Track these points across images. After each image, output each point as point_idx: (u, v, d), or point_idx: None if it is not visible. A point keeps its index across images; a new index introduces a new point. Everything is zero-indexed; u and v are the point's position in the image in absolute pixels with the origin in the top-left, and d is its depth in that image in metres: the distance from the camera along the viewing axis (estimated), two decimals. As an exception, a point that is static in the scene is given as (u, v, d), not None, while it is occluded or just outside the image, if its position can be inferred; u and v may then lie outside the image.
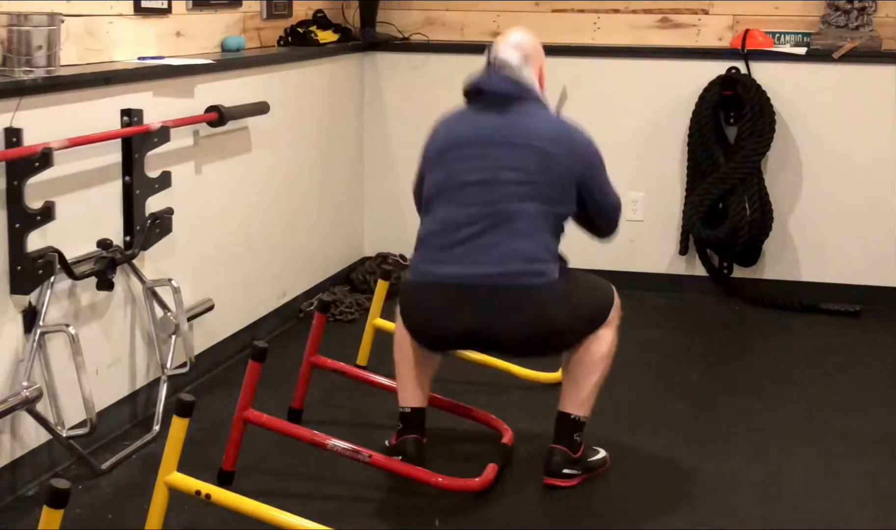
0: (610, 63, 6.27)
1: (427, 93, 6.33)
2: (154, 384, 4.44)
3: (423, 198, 4.02)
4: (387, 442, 4.04)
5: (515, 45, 3.96)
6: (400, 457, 3.88)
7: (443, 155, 3.95)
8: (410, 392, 3.99)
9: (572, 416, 3.93)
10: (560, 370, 4.74)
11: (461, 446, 4.23)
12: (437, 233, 3.85)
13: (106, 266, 3.99)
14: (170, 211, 4.43)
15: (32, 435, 3.82)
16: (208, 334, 4.87)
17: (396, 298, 4.04)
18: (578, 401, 3.94)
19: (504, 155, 3.83)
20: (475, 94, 3.96)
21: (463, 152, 3.90)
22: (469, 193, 3.82)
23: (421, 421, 3.99)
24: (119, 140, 4.17)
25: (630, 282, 6.24)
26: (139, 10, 4.59)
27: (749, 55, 6.01)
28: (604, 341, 3.96)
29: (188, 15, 4.99)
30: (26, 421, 3.75)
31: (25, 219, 3.66)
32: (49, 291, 3.76)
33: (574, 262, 4.04)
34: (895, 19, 6.05)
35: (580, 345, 3.92)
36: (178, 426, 3.27)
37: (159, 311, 4.43)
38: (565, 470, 3.90)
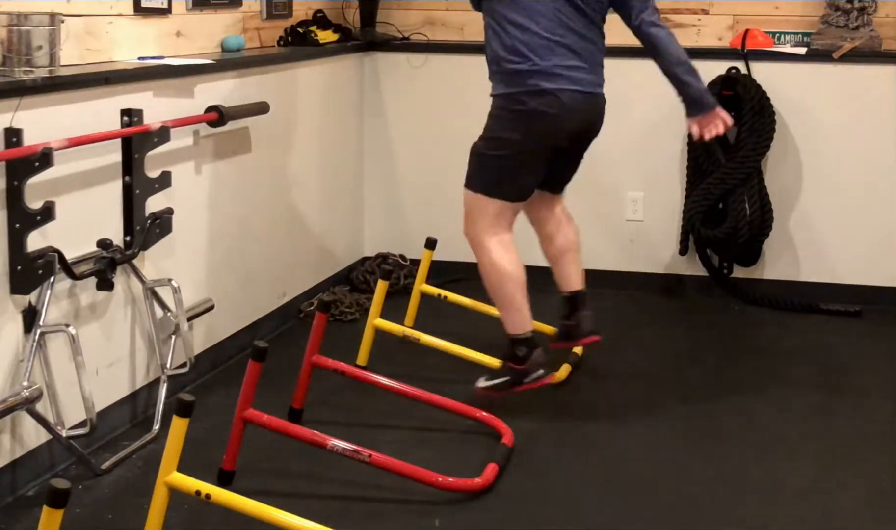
0: (610, 63, 6.21)
1: (427, 93, 6.34)
2: (154, 384, 4.44)
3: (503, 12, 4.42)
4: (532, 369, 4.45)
5: None
6: (542, 372, 4.47)
7: None
8: (527, 316, 4.48)
9: (583, 291, 4.76)
10: (561, 370, 4.75)
11: (461, 446, 4.23)
12: (554, 52, 4.42)
13: (106, 266, 3.99)
14: (170, 211, 4.43)
15: (32, 435, 3.82)
16: (208, 334, 4.88)
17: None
18: (581, 277, 4.77)
19: None
20: None
21: None
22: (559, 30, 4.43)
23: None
24: (119, 140, 4.17)
25: (630, 282, 6.26)
26: (139, 10, 4.59)
27: (749, 55, 6.01)
28: (573, 224, 4.83)
29: (188, 15, 4.99)
30: (26, 421, 3.76)
31: (25, 219, 3.66)
32: (49, 291, 3.76)
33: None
34: (895, 19, 6.04)
35: (560, 232, 4.76)
36: (178, 426, 3.27)
37: (159, 311, 4.43)
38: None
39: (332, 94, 6.13)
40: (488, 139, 4.44)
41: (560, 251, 4.78)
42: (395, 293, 5.72)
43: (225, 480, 3.81)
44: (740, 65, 6.02)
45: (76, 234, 3.97)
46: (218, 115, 4.74)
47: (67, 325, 3.85)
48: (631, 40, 6.29)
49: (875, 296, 6.03)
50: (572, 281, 4.77)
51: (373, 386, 4.49)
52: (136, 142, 4.21)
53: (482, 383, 4.48)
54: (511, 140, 4.37)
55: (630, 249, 6.29)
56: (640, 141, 6.22)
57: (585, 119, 4.51)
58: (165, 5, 4.76)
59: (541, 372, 4.44)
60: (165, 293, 4.42)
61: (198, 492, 3.31)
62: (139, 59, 4.56)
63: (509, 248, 4.43)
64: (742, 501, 3.86)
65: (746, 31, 6.06)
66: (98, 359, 4.13)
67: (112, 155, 4.16)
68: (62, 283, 3.89)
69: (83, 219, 4.02)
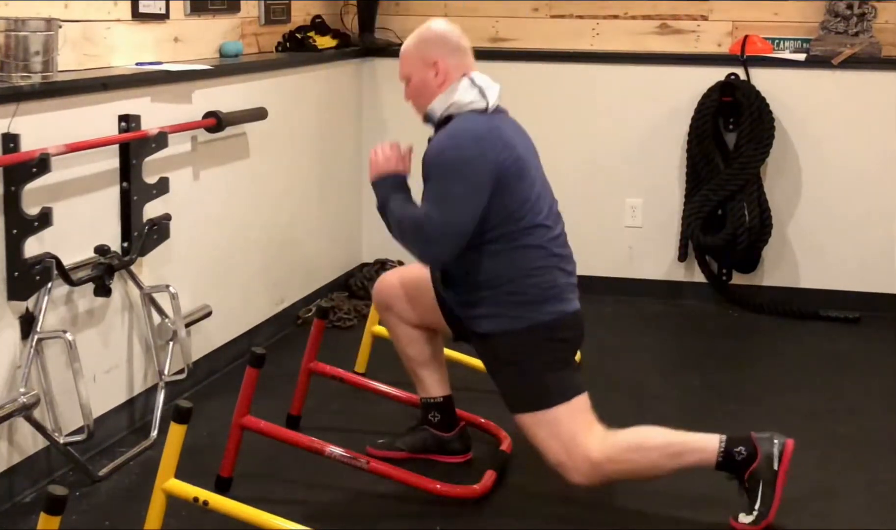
0: (609, 69, 6.26)
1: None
2: (152, 390, 4.43)
3: (511, 218, 3.64)
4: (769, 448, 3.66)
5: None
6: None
7: (526, 168, 3.69)
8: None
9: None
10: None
11: (460, 453, 4.22)
12: (564, 255, 3.75)
13: (103, 272, 3.98)
14: (167, 217, 4.42)
15: (30, 442, 3.81)
16: (206, 340, 4.87)
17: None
18: None
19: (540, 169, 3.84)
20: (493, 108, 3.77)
21: (534, 170, 3.75)
22: (555, 214, 3.79)
23: None
24: (117, 146, 4.17)
25: (629, 289, 6.25)
26: (137, 15, 4.59)
27: (748, 61, 6.01)
28: None
29: (186, 20, 4.98)
30: (23, 427, 3.75)
31: (23, 225, 3.65)
32: (46, 297, 3.76)
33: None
34: (894, 25, 6.04)
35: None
36: (176, 432, 3.27)
37: (157, 317, 4.42)
38: None
39: (331, 99, 6.13)
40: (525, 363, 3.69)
41: (430, 351, 4.12)
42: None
43: (223, 487, 3.80)
44: (739, 71, 6.02)
45: (74, 240, 3.96)
46: (216, 121, 4.73)
47: (65, 331, 3.84)
48: (629, 47, 6.33)
49: (874, 303, 6.02)
50: (444, 384, 4.15)
51: (371, 392, 4.49)
52: (133, 147, 4.20)
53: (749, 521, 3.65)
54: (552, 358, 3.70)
55: (629, 256, 6.29)
56: (639, 147, 6.22)
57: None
58: (163, 11, 4.75)
59: (778, 440, 3.67)
60: (163, 299, 4.41)
61: (195, 499, 3.30)
62: (137, 64, 4.55)
63: (610, 431, 3.70)
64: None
65: (745, 37, 6.06)
66: (95, 365, 4.11)
67: (110, 160, 4.15)
68: (60, 289, 3.88)
69: (81, 224, 4.01)
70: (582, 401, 3.68)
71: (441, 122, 3.76)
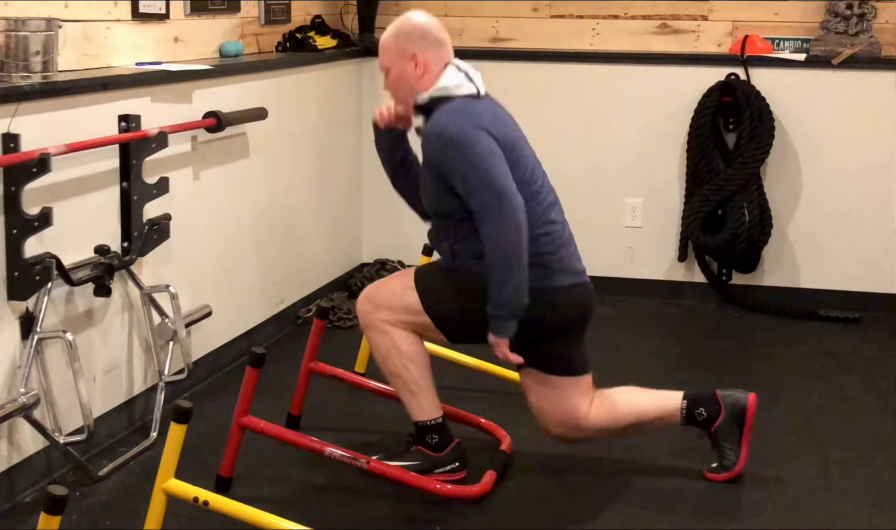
0: (609, 69, 6.26)
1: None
2: (152, 390, 4.43)
3: (524, 184, 3.75)
4: (439, 462, 3.88)
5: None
6: (458, 465, 3.92)
7: (520, 145, 3.85)
8: (436, 402, 3.96)
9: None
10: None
11: (460, 453, 4.22)
12: (565, 231, 3.89)
13: (103, 272, 3.98)
14: (167, 217, 4.42)
15: (30, 442, 3.81)
16: (206, 340, 4.87)
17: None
18: None
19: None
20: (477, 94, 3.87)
21: (527, 147, 3.91)
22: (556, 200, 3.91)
23: None
24: (117, 146, 4.17)
25: (629, 289, 6.25)
26: (137, 15, 4.59)
27: (748, 61, 6.01)
28: None
29: (186, 20, 4.98)
30: (23, 427, 3.75)
31: (23, 225, 3.65)
32: (46, 297, 3.75)
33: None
34: (894, 25, 6.04)
35: None
36: (176, 432, 3.27)
37: (157, 317, 4.42)
38: None
39: (331, 99, 6.12)
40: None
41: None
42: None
43: (223, 486, 3.80)
44: (739, 71, 6.01)
45: (74, 240, 3.96)
46: (216, 121, 4.73)
47: (65, 331, 3.84)
48: (629, 47, 6.33)
49: (874, 303, 6.02)
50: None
51: (371, 392, 4.49)
52: (133, 147, 4.20)
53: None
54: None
55: (629, 256, 6.28)
56: (639, 147, 6.22)
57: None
58: (163, 11, 4.75)
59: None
60: (163, 299, 4.41)
61: (195, 499, 3.30)
62: (137, 64, 4.55)
63: (407, 331, 3.90)
64: (742, 506, 3.86)
65: (746, 37, 6.06)
66: (95, 365, 4.12)
67: (110, 160, 4.15)
68: (60, 289, 3.88)
69: (81, 224, 4.01)
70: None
71: (428, 109, 3.83)
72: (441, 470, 3.87)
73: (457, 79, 3.82)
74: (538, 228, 3.75)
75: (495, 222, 3.62)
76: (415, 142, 4.04)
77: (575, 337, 3.93)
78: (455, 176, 3.69)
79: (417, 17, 3.91)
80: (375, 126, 4.11)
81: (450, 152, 3.69)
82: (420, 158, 3.96)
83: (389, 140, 4.12)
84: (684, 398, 3.95)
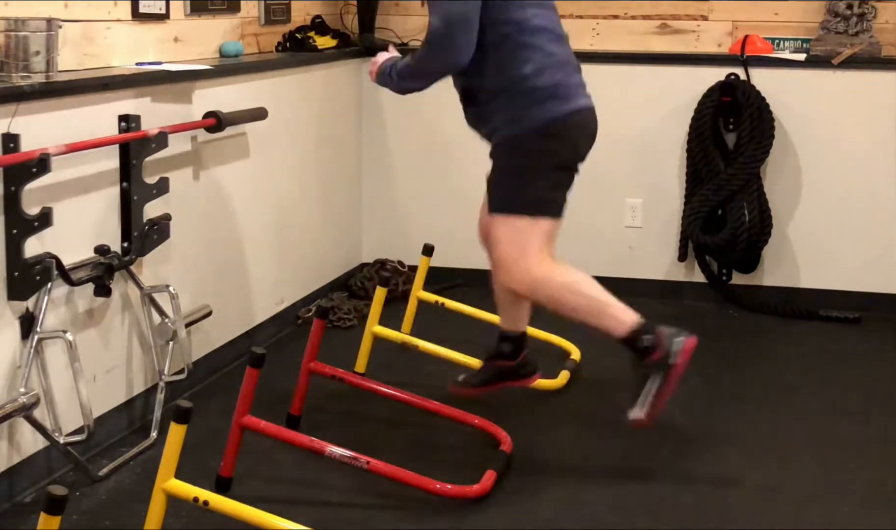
0: (609, 69, 6.26)
1: (425, 99, 6.30)
2: (152, 390, 4.43)
3: (507, 30, 3.92)
4: (669, 345, 3.96)
5: None
6: (683, 335, 3.99)
7: None
8: (624, 307, 4.04)
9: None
10: (559, 376, 4.75)
11: (459, 453, 4.22)
12: (566, 65, 4.00)
13: (103, 272, 3.98)
14: (167, 217, 4.42)
15: (30, 442, 3.81)
16: (206, 340, 4.87)
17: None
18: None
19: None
20: None
21: None
22: (559, 34, 4.04)
23: None
24: (117, 146, 4.17)
25: (629, 289, 6.21)
26: (137, 15, 4.59)
27: (748, 61, 6.01)
28: None
29: (186, 20, 4.98)
30: (23, 427, 3.75)
31: (23, 225, 3.65)
32: (46, 297, 3.75)
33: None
34: (894, 25, 6.04)
35: None
36: (176, 432, 3.27)
37: (157, 317, 4.42)
38: None
39: (331, 99, 6.13)
40: (520, 162, 4.00)
41: None
42: (393, 299, 5.70)
43: (223, 487, 3.80)
44: (739, 71, 6.01)
45: (74, 240, 3.96)
46: (216, 121, 4.73)
47: (65, 331, 3.84)
48: (629, 47, 6.33)
49: (874, 303, 6.02)
50: (525, 320, 4.39)
51: (371, 392, 4.49)
52: (133, 147, 4.20)
53: (638, 414, 3.96)
54: (548, 160, 3.99)
55: (629, 256, 6.28)
56: (639, 147, 6.22)
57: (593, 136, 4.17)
58: (163, 11, 4.75)
59: (681, 337, 3.98)
60: (163, 299, 4.41)
61: (196, 499, 3.30)
62: (137, 64, 4.55)
63: (562, 264, 4.02)
64: (742, 506, 3.86)
65: (746, 37, 6.06)
66: (95, 365, 4.12)
67: (110, 161, 4.15)
68: (60, 289, 3.88)
69: (81, 225, 4.01)
70: (550, 224, 3.98)
71: None
72: (674, 354, 3.95)
73: None
74: (550, 63, 3.93)
75: (437, 45, 3.94)
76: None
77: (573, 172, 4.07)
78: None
79: None
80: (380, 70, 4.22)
81: None
82: None
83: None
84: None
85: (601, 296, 4.00)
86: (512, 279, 4.01)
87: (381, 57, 4.23)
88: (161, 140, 4.31)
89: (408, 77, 4.07)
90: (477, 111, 4.07)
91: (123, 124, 4.18)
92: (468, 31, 3.86)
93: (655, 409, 3.92)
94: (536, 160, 3.97)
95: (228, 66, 5.07)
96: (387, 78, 4.13)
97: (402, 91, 4.16)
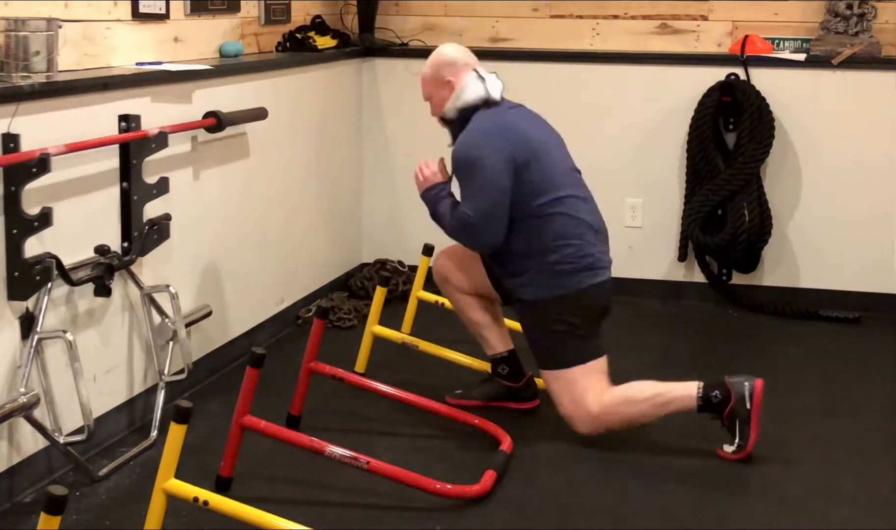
0: (609, 69, 6.26)
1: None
2: (152, 390, 4.43)
3: (535, 193, 4.24)
4: (740, 390, 4.17)
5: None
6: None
7: (539, 152, 4.31)
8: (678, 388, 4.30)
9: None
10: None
11: (460, 453, 4.22)
12: (586, 228, 4.32)
13: (103, 272, 3.98)
14: (168, 217, 4.42)
15: (30, 442, 3.80)
16: (206, 340, 4.87)
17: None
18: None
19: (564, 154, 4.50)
20: (493, 102, 4.37)
21: (553, 152, 4.41)
22: (581, 194, 4.39)
23: None
24: (117, 146, 4.17)
25: (629, 289, 6.24)
26: (137, 15, 4.59)
27: (748, 61, 6.01)
28: None
29: (186, 20, 4.98)
30: (23, 427, 3.74)
31: (23, 225, 3.65)
32: (46, 297, 3.75)
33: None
34: (894, 25, 6.04)
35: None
36: (176, 432, 3.27)
37: (157, 317, 4.42)
38: None
39: (331, 99, 6.13)
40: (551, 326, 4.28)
41: (491, 313, 4.61)
42: (393, 299, 5.71)
43: (223, 487, 3.80)
44: (739, 71, 6.01)
45: (74, 240, 3.96)
46: (216, 121, 4.73)
47: (65, 331, 3.84)
48: (629, 47, 6.33)
49: (874, 303, 6.02)
50: (507, 337, 4.64)
51: (371, 392, 4.49)
52: (133, 147, 4.20)
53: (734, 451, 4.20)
54: (578, 319, 4.28)
55: (629, 256, 6.28)
56: (639, 147, 6.22)
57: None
58: (163, 11, 4.75)
59: (749, 382, 4.17)
60: (163, 299, 4.41)
61: (195, 499, 3.30)
62: (137, 64, 4.55)
63: (610, 387, 4.30)
64: (742, 507, 3.86)
65: (746, 37, 6.06)
66: (96, 365, 4.11)
67: (110, 160, 4.15)
68: (60, 289, 3.88)
69: (81, 224, 4.01)
70: (598, 364, 4.30)
71: (458, 123, 4.36)
72: (748, 399, 4.14)
73: (474, 89, 4.33)
74: (563, 239, 4.24)
75: (467, 234, 4.30)
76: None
77: (597, 326, 4.36)
78: (460, 184, 4.27)
79: (447, 48, 4.47)
80: (427, 192, 4.51)
81: (463, 170, 4.25)
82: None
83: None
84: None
85: (655, 390, 4.26)
86: (579, 426, 4.27)
87: (432, 170, 4.45)
88: (161, 140, 4.31)
89: (441, 224, 4.42)
90: (502, 271, 4.37)
91: (123, 124, 4.18)
92: (498, 229, 4.22)
93: (750, 446, 4.15)
94: (568, 320, 4.24)
95: (228, 66, 5.07)
96: (429, 203, 4.43)
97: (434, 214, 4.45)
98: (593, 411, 4.21)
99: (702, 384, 4.18)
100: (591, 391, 4.23)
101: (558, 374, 4.27)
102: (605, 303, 4.36)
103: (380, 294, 4.93)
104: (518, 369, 4.59)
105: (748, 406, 4.12)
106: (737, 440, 4.15)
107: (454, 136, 4.39)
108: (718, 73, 6.03)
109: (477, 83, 4.33)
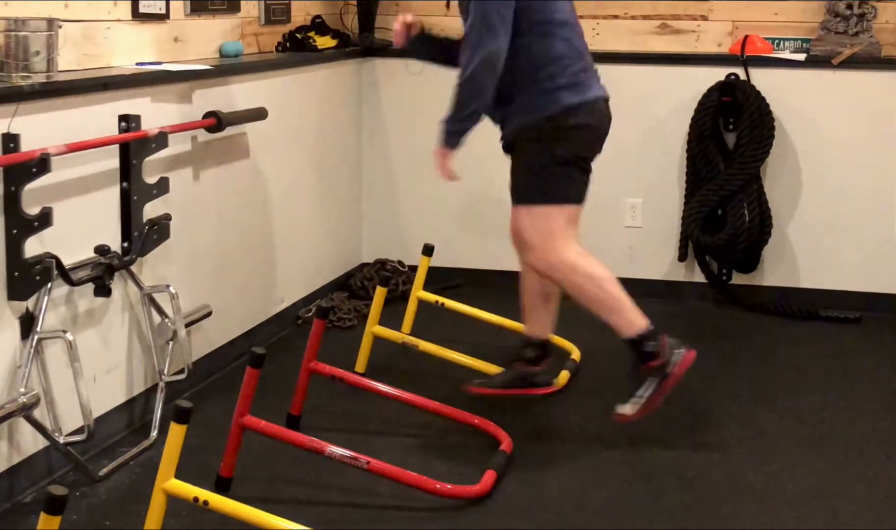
0: (609, 69, 6.19)
1: (425, 99, 6.33)
2: (152, 390, 4.43)
3: (533, 20, 4.18)
4: (670, 355, 4.21)
5: None
6: (683, 348, 4.23)
7: None
8: (638, 311, 4.26)
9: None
10: (559, 376, 4.75)
11: (460, 453, 4.22)
12: (580, 57, 4.29)
13: (103, 272, 3.98)
14: (168, 217, 4.42)
15: (30, 442, 3.81)
16: (206, 340, 4.87)
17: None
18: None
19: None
20: None
21: None
22: (578, 30, 4.34)
23: None
24: (117, 146, 4.17)
25: (629, 289, 6.16)
26: (137, 15, 4.59)
27: (748, 61, 6.01)
28: None
29: (186, 20, 4.98)
30: (23, 427, 3.75)
31: (23, 225, 3.65)
32: (46, 297, 3.75)
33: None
34: (894, 25, 6.04)
35: None
36: (176, 432, 3.27)
37: (157, 317, 4.42)
38: None
39: (331, 99, 6.13)
40: (536, 155, 4.25)
41: (547, 293, 4.57)
42: (393, 299, 5.71)
43: (223, 487, 3.80)
44: (739, 71, 6.01)
45: (74, 240, 3.96)
46: (216, 121, 4.73)
47: (65, 331, 3.84)
48: (629, 47, 6.33)
49: (874, 303, 6.02)
50: (550, 327, 4.65)
51: (371, 392, 4.49)
52: (133, 147, 4.20)
53: (626, 409, 4.22)
54: (565, 151, 4.24)
55: (629, 256, 6.28)
56: (639, 147, 6.22)
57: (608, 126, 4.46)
58: (163, 11, 4.75)
59: (681, 349, 4.23)
60: (163, 299, 4.41)
61: (195, 499, 3.30)
62: (137, 64, 4.55)
63: (587, 254, 4.28)
64: (742, 507, 3.86)
65: (746, 37, 6.06)
66: (95, 365, 4.11)
67: (110, 161, 4.15)
68: (60, 289, 3.88)
69: (81, 225, 4.01)
70: (571, 210, 4.26)
71: None
72: (672, 364, 4.19)
73: None
74: (570, 54, 4.22)
75: (475, 53, 4.07)
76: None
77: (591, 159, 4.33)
78: (466, 11, 4.14)
79: None
80: (406, 49, 4.54)
81: None
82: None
83: (424, 48, 4.57)
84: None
85: (619, 294, 4.22)
86: (538, 259, 4.24)
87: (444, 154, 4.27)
88: (161, 140, 4.31)
89: (461, 118, 4.17)
90: (496, 93, 4.21)
91: (123, 124, 4.18)
92: (497, 70, 4.11)
93: (643, 410, 4.18)
94: (553, 148, 4.20)
95: (228, 66, 5.07)
96: (448, 136, 4.22)
97: (464, 129, 4.21)
98: (562, 254, 4.19)
99: (649, 328, 4.20)
100: (561, 234, 4.21)
101: (531, 209, 4.23)
102: (596, 120, 4.33)
103: (380, 294, 4.93)
104: (544, 356, 4.62)
105: (669, 370, 4.16)
106: (639, 392, 4.17)
107: None
108: (718, 73, 6.03)
109: None
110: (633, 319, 4.21)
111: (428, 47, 4.58)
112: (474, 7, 4.10)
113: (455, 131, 4.18)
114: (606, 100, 4.41)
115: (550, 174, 4.22)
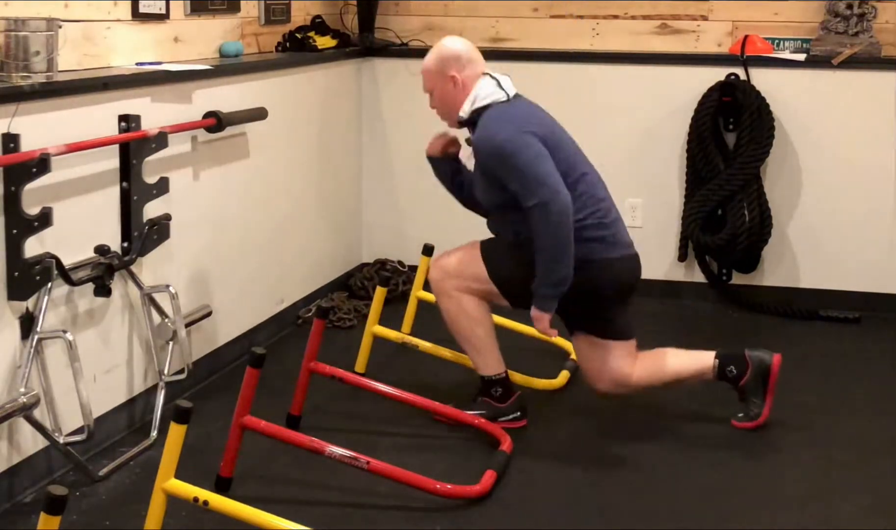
0: (609, 69, 6.26)
1: (425, 99, 6.31)
2: (152, 390, 4.43)
3: (562, 173, 4.21)
4: (502, 412, 4.40)
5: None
6: (519, 414, 4.42)
7: (558, 134, 4.35)
8: (499, 358, 4.44)
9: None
10: (559, 376, 4.75)
11: (460, 453, 4.22)
12: (613, 208, 4.45)
13: (103, 272, 3.98)
14: (168, 217, 4.42)
15: (30, 442, 3.80)
16: (206, 340, 4.87)
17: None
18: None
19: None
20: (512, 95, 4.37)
21: (566, 135, 4.41)
22: (599, 180, 4.44)
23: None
24: (117, 146, 4.17)
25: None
26: (137, 15, 4.59)
27: (748, 61, 6.01)
28: None
29: (186, 20, 4.98)
30: (23, 427, 3.74)
31: (23, 225, 3.65)
32: (46, 297, 3.75)
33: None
34: (894, 25, 6.04)
35: None
36: (176, 432, 3.27)
37: (157, 317, 4.42)
38: None
39: (331, 99, 6.13)
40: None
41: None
42: (393, 299, 5.71)
43: (223, 487, 3.80)
44: (739, 71, 6.01)
45: (74, 240, 3.96)
46: (216, 121, 4.73)
47: (65, 331, 3.84)
48: (629, 47, 6.33)
49: (874, 303, 6.02)
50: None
51: (371, 392, 4.49)
52: (133, 147, 4.20)
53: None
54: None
55: (629, 256, 6.27)
56: (639, 147, 6.22)
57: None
58: (163, 11, 4.75)
59: (519, 414, 4.43)
60: (163, 299, 4.41)
61: (195, 499, 3.30)
62: (137, 64, 4.55)
63: (474, 297, 4.37)
64: (742, 509, 3.86)
65: (746, 37, 6.06)
66: (95, 365, 4.11)
67: (110, 160, 4.15)
68: (60, 289, 3.88)
69: (81, 225, 4.01)
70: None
71: (472, 122, 4.34)
72: (504, 418, 4.38)
73: (488, 88, 4.31)
74: (591, 206, 4.28)
75: (547, 219, 4.08)
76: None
77: (625, 303, 4.43)
78: (509, 180, 4.14)
79: (452, 42, 4.43)
80: (431, 158, 4.68)
81: (501, 160, 4.15)
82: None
83: (447, 167, 4.67)
84: (716, 357, 4.43)
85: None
86: (435, 278, 4.47)
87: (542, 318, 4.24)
88: (161, 140, 4.31)
89: (554, 283, 4.17)
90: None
91: (123, 124, 4.18)
92: (563, 188, 4.15)
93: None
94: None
95: (228, 66, 5.07)
96: (544, 302, 4.21)
97: (558, 294, 4.19)
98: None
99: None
100: (467, 291, 4.36)
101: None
102: (632, 278, 4.44)
103: (380, 294, 4.93)
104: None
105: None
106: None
107: (470, 129, 4.38)
108: (718, 73, 6.03)
109: (494, 87, 4.31)
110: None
111: (449, 169, 4.68)
112: (523, 180, 4.12)
113: (550, 296, 4.17)
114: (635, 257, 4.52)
115: (520, 278, 4.27)
